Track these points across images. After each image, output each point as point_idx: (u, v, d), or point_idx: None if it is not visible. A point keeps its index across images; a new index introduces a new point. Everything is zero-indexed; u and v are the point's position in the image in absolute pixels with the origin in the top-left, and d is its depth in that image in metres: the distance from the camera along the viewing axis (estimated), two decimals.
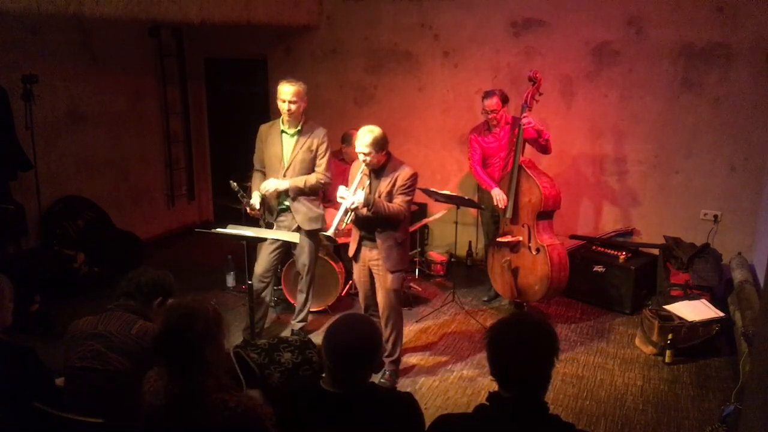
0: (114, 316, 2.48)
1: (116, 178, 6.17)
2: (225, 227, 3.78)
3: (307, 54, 6.31)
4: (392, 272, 3.72)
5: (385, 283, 3.74)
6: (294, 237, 3.91)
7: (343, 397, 1.89)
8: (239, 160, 6.67)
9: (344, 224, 3.69)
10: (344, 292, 5.00)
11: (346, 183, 5.22)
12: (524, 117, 4.37)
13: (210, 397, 1.90)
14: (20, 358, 2.34)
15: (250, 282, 3.73)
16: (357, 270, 3.91)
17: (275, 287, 4.94)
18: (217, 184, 7.13)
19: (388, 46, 5.94)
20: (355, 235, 3.83)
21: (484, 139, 4.72)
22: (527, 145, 4.55)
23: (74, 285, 5.01)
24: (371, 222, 3.68)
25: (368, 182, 3.69)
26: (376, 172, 3.67)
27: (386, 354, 3.82)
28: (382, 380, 3.83)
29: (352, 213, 3.66)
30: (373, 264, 3.78)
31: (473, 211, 5.46)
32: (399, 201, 3.60)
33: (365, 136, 3.53)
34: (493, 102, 4.54)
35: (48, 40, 5.32)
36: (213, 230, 3.80)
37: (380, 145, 3.55)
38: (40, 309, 4.47)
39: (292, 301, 4.80)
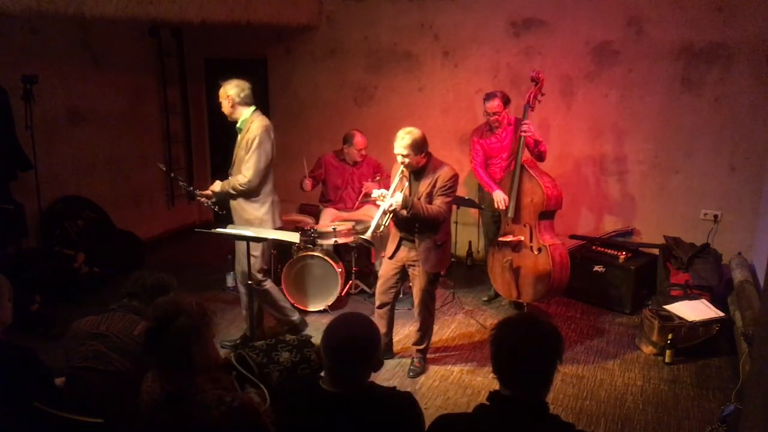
0: (117, 317, 2.49)
1: (116, 178, 6.17)
2: (225, 227, 3.78)
3: (307, 54, 6.31)
4: (430, 273, 3.74)
5: (421, 282, 3.79)
6: (294, 237, 3.91)
7: (342, 396, 1.89)
8: None
9: (382, 227, 3.67)
10: (344, 292, 5.00)
11: (346, 184, 5.26)
12: (524, 124, 4.36)
13: (205, 393, 1.91)
14: (20, 358, 2.34)
15: (250, 282, 3.73)
16: (387, 265, 3.90)
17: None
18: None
19: (388, 46, 5.94)
20: (395, 235, 3.84)
21: (486, 141, 4.71)
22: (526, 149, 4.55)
23: (74, 285, 5.01)
24: (410, 223, 3.68)
25: (407, 184, 3.68)
26: (416, 173, 3.66)
27: (415, 342, 4.01)
28: (412, 366, 3.96)
29: (391, 215, 3.65)
30: (411, 264, 3.80)
31: (473, 211, 5.46)
32: (438, 202, 3.59)
33: (403, 138, 3.52)
34: (494, 104, 4.53)
35: (48, 40, 5.32)
36: (213, 230, 3.80)
37: (419, 147, 3.54)
38: (40, 309, 4.47)
39: (292, 301, 4.80)
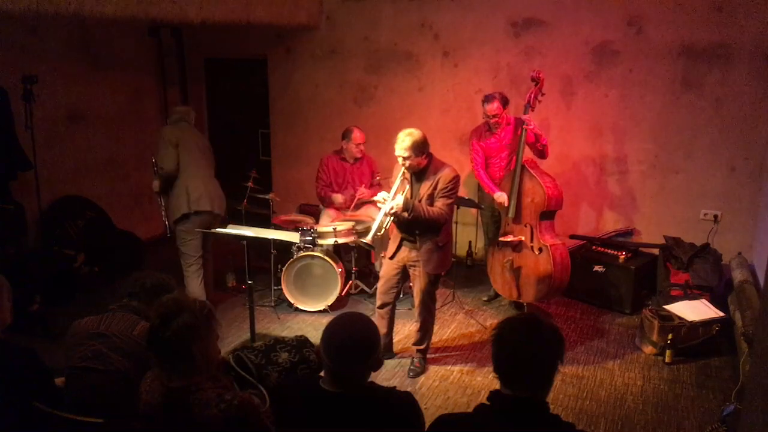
0: (116, 317, 2.49)
1: (116, 178, 6.17)
2: (225, 227, 3.79)
3: (307, 54, 6.31)
4: (431, 274, 3.74)
5: (422, 283, 3.78)
6: (294, 237, 3.92)
7: (342, 396, 1.89)
8: (239, 159, 6.68)
9: (382, 230, 3.66)
10: (344, 292, 5.00)
11: (347, 183, 5.26)
12: (527, 118, 4.36)
13: (205, 391, 1.91)
14: (20, 358, 2.34)
15: (250, 282, 3.73)
16: (388, 265, 3.90)
17: (275, 287, 4.95)
18: None
19: (388, 46, 5.94)
20: (396, 236, 3.84)
21: (485, 142, 4.71)
22: (527, 147, 4.55)
23: (74, 285, 5.01)
24: (412, 225, 3.67)
25: (408, 186, 3.66)
26: (418, 174, 3.65)
27: (415, 342, 4.01)
28: (412, 366, 3.96)
29: (392, 217, 3.64)
30: (412, 264, 3.80)
31: (473, 210, 5.46)
32: (440, 204, 3.58)
33: (404, 140, 3.51)
34: (494, 107, 4.53)
35: (48, 40, 5.32)
36: (213, 230, 3.81)
37: (420, 148, 3.53)
38: (40, 309, 4.47)
39: (293, 301, 4.81)
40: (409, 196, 3.62)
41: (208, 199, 4.43)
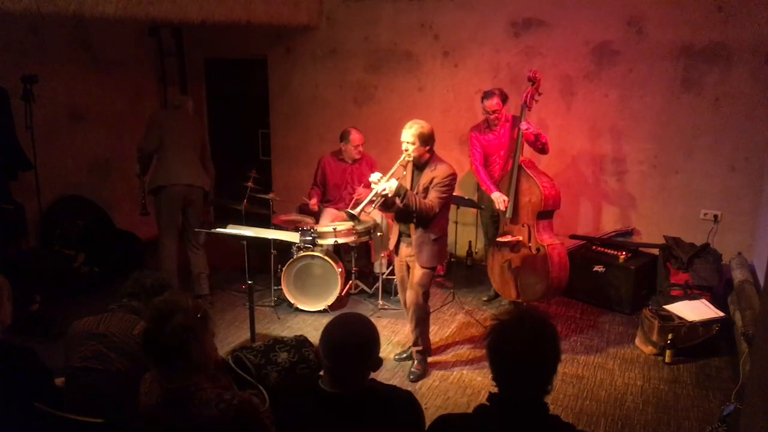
0: (116, 317, 2.49)
1: (116, 178, 6.17)
2: (225, 227, 3.79)
3: (307, 54, 6.31)
4: (424, 268, 3.76)
5: (415, 277, 3.81)
6: (294, 237, 3.92)
7: (342, 396, 1.89)
8: (239, 159, 6.68)
9: (371, 208, 3.69)
10: (344, 292, 5.00)
11: (346, 183, 5.26)
12: (523, 122, 4.37)
13: (205, 391, 1.91)
14: (20, 358, 2.34)
15: (250, 282, 3.73)
16: (397, 265, 4.02)
17: (275, 287, 4.95)
18: (217, 184, 7.14)
19: (388, 46, 5.94)
20: (395, 229, 3.91)
21: (484, 137, 4.71)
22: (526, 145, 4.55)
23: (74, 285, 5.01)
24: (406, 216, 3.73)
25: (404, 173, 3.73)
26: (419, 167, 3.71)
27: (413, 342, 3.98)
28: (412, 369, 3.96)
29: (381, 199, 3.65)
30: (409, 259, 3.85)
31: (473, 210, 5.46)
32: (432, 196, 3.61)
33: (412, 127, 3.60)
34: (493, 102, 4.54)
35: (48, 40, 5.32)
36: (213, 230, 3.82)
37: (424, 139, 3.60)
38: (40, 309, 4.47)
39: (293, 301, 4.81)
40: (405, 183, 3.67)
41: (185, 174, 4.67)
